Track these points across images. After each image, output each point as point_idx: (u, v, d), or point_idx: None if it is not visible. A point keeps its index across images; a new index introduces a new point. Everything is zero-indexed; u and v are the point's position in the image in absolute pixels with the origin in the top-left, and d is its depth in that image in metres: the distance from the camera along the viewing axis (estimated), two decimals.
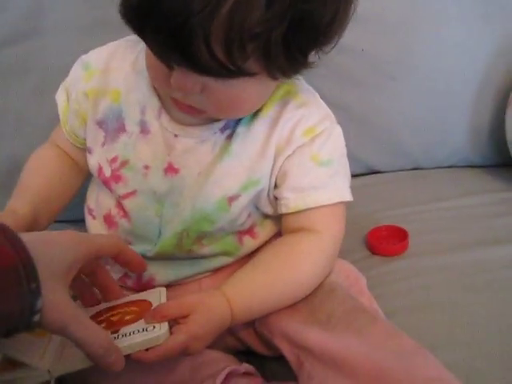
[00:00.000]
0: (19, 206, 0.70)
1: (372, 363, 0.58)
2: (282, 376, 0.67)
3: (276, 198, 0.70)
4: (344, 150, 0.72)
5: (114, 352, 0.53)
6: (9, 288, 0.46)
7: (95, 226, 0.75)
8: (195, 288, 0.73)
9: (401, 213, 0.98)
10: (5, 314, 0.46)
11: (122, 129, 0.70)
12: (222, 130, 0.69)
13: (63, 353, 0.56)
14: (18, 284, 0.47)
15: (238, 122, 0.69)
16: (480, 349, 0.69)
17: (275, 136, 0.68)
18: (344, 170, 0.72)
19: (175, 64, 0.57)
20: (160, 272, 0.71)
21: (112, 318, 0.60)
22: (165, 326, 0.58)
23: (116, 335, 0.57)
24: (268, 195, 0.71)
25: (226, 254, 0.73)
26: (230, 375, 0.62)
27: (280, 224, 0.73)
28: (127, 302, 0.63)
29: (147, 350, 0.57)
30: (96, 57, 0.73)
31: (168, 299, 0.63)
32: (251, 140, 0.69)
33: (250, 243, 0.73)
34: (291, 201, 0.69)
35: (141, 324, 0.58)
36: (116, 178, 0.70)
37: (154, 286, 0.70)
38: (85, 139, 0.74)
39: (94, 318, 0.60)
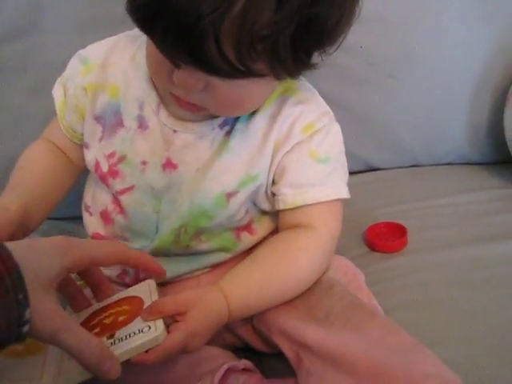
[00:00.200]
0: (11, 202, 0.68)
1: (370, 360, 0.58)
2: (281, 372, 0.67)
3: (273, 194, 0.70)
4: (342, 148, 0.72)
5: (107, 359, 0.52)
6: None
7: (92, 222, 0.75)
8: (194, 284, 0.73)
9: (399, 209, 0.98)
10: None
11: (119, 124, 0.70)
12: (221, 126, 0.69)
13: (61, 368, 0.55)
14: (4, 295, 0.45)
15: (236, 118, 0.69)
16: (479, 345, 0.69)
17: (274, 132, 0.68)
18: (342, 168, 0.72)
19: (182, 63, 0.57)
20: None
21: (105, 321, 0.58)
22: (160, 325, 0.56)
23: (112, 340, 0.55)
24: (266, 191, 0.71)
25: (223, 250, 0.73)
26: (228, 371, 0.62)
27: (278, 220, 0.73)
28: (118, 301, 0.61)
29: (146, 351, 0.55)
30: (95, 51, 0.73)
31: (160, 292, 0.62)
32: (250, 136, 0.69)
33: (247, 239, 0.73)
34: (289, 197, 0.69)
35: (136, 324, 0.57)
36: (113, 173, 0.70)
37: None
38: (82, 134, 0.74)
39: (86, 322, 0.59)
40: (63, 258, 0.53)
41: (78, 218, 0.79)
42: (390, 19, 1.03)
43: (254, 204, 0.72)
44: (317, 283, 0.68)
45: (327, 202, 0.69)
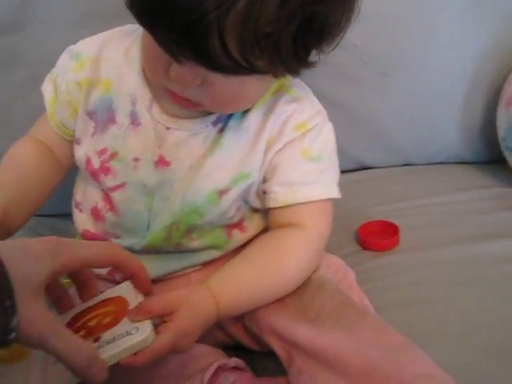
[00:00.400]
0: None
1: (361, 360, 0.58)
2: (272, 371, 0.67)
3: (264, 192, 0.70)
4: (334, 147, 0.72)
5: (96, 362, 0.51)
6: None
7: (82, 219, 0.74)
8: (184, 282, 0.72)
9: (392, 208, 0.98)
10: None
11: (112, 120, 0.70)
12: (214, 123, 0.68)
13: (47, 373, 0.54)
14: None
15: (230, 115, 0.68)
16: (471, 344, 0.69)
17: (267, 130, 0.68)
18: (333, 167, 0.72)
19: (185, 58, 0.56)
20: (148, 266, 0.69)
21: (90, 324, 0.56)
22: (148, 326, 0.55)
23: (98, 344, 0.53)
24: (257, 189, 0.70)
25: (214, 247, 0.72)
26: (219, 370, 0.61)
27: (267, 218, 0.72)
28: (101, 302, 0.59)
29: (135, 353, 0.54)
30: (87, 46, 0.72)
31: (144, 292, 0.60)
32: (243, 133, 0.68)
33: (238, 237, 0.73)
34: (280, 195, 0.69)
35: (123, 326, 0.55)
36: (105, 169, 0.70)
37: None
38: (74, 131, 0.73)
39: (70, 325, 0.56)
40: (53, 260, 0.51)
41: (69, 215, 0.78)
42: (384, 17, 1.03)
43: (246, 202, 0.72)
44: (308, 282, 0.68)
45: (318, 201, 0.69)
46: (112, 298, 0.59)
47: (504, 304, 0.75)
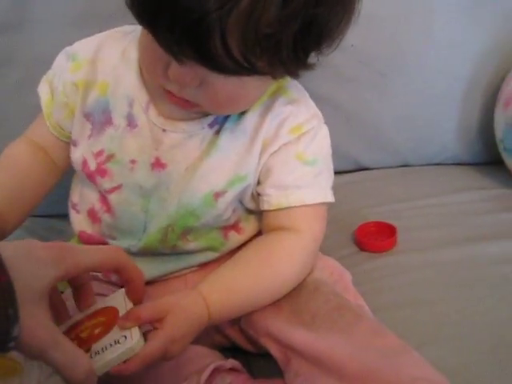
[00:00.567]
0: None
1: (358, 363, 0.58)
2: (269, 373, 0.67)
3: (258, 194, 0.70)
4: (329, 151, 0.72)
5: (93, 376, 0.51)
6: None
7: (79, 220, 0.74)
8: (181, 283, 0.72)
9: (389, 209, 0.98)
10: None
11: (108, 122, 0.69)
12: (211, 125, 0.68)
13: None
14: None
15: (226, 117, 0.68)
16: (468, 345, 0.69)
17: (263, 132, 0.68)
18: (328, 171, 0.71)
19: (186, 58, 0.56)
20: (144, 267, 0.69)
21: (81, 335, 0.55)
22: (136, 334, 0.54)
23: (89, 354, 0.53)
24: (252, 191, 0.70)
25: (211, 249, 0.72)
26: (215, 371, 0.61)
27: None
28: (93, 313, 0.58)
29: (125, 361, 0.53)
30: (83, 47, 0.72)
31: (146, 292, 0.60)
32: (239, 135, 0.68)
33: (235, 238, 0.73)
34: (273, 198, 0.69)
35: (112, 335, 0.55)
36: (101, 171, 0.69)
37: None
38: (70, 132, 0.73)
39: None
40: (58, 266, 0.50)
41: (66, 216, 0.78)
42: (382, 18, 1.02)
43: (241, 203, 0.72)
44: (303, 285, 0.68)
45: (312, 204, 0.69)
46: (103, 309, 0.58)
47: (502, 305, 0.75)
